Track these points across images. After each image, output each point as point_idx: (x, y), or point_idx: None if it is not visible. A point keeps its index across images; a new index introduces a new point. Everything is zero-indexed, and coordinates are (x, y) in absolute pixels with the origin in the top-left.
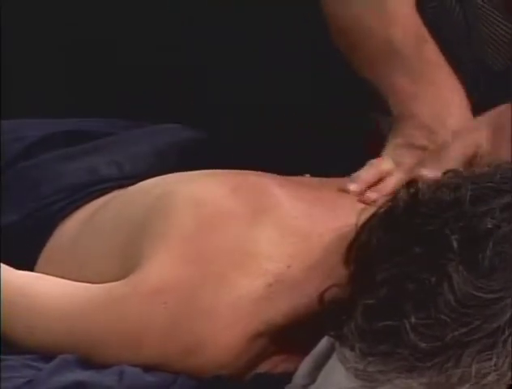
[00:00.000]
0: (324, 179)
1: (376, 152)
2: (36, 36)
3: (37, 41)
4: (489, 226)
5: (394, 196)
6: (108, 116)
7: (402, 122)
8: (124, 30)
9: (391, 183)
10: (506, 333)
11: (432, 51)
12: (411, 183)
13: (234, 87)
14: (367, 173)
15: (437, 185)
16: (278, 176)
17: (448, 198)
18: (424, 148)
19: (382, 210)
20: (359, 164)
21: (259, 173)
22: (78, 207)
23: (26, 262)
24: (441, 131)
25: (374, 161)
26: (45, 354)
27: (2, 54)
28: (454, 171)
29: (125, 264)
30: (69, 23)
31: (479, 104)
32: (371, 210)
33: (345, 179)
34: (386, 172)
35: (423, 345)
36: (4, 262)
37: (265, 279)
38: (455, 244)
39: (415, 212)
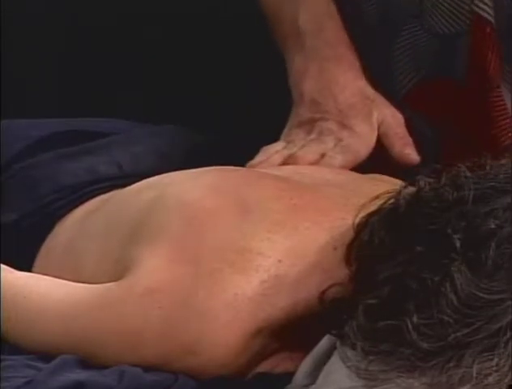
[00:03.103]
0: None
1: (375, 153)
2: (36, 36)
3: (37, 41)
4: (492, 226)
5: (396, 195)
6: (108, 116)
7: (294, 102)
8: (124, 30)
9: (273, 158)
10: (508, 334)
11: (331, 31)
12: (413, 182)
13: (234, 87)
14: (258, 157)
15: (439, 184)
16: (265, 171)
17: (451, 198)
18: (311, 121)
19: (384, 209)
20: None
21: (247, 168)
22: (76, 207)
23: (24, 261)
24: (328, 101)
25: (265, 147)
26: (45, 354)
27: (2, 54)
28: (456, 170)
29: (119, 266)
30: (69, 23)
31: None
32: (369, 208)
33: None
34: (276, 152)
35: (424, 345)
36: (3, 262)
37: (258, 275)
38: (458, 244)
39: (417, 212)
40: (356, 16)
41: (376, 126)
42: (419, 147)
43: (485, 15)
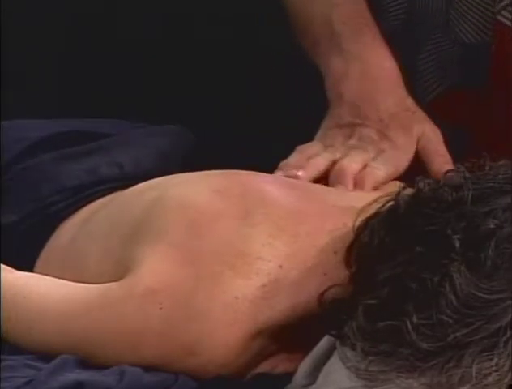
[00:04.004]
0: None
1: None
2: (36, 36)
3: (37, 41)
4: (491, 226)
5: (395, 196)
6: (108, 116)
7: (332, 104)
8: (124, 30)
9: (317, 162)
10: (508, 334)
11: (368, 33)
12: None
13: (234, 87)
14: (293, 158)
15: (438, 184)
16: (268, 175)
17: (450, 198)
18: (351, 125)
19: (384, 210)
20: None
21: (249, 172)
22: (78, 208)
23: (25, 262)
24: (369, 107)
25: (301, 146)
26: (45, 354)
27: (2, 54)
28: (455, 170)
29: (120, 266)
30: (69, 24)
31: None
32: (369, 211)
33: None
34: (314, 155)
35: (424, 345)
36: (3, 263)
37: (258, 279)
38: (457, 244)
39: (416, 212)
40: (381, 24)
41: (416, 140)
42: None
43: (509, 24)
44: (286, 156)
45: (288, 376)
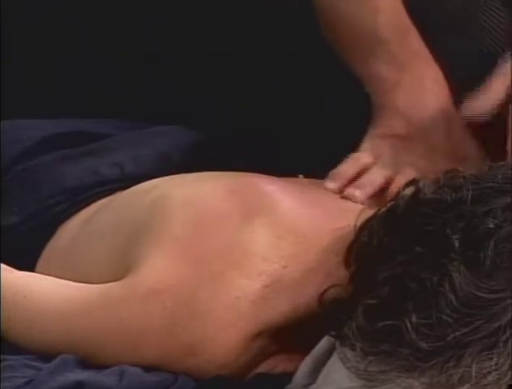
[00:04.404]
0: (321, 181)
1: None
2: (36, 36)
3: (37, 41)
4: (491, 226)
5: (395, 196)
6: (108, 116)
7: (380, 112)
8: (124, 30)
9: (373, 180)
10: (507, 333)
11: (415, 40)
12: (411, 183)
13: (234, 87)
14: (346, 168)
15: (438, 185)
16: (274, 177)
17: (449, 198)
18: (401, 138)
19: (383, 210)
20: None
21: (255, 174)
22: (80, 209)
23: (26, 263)
24: (417, 120)
25: (353, 156)
26: (45, 354)
27: (2, 54)
28: (454, 171)
29: (123, 266)
30: (69, 23)
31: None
32: (370, 211)
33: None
34: (365, 165)
35: (424, 345)
36: (4, 263)
37: (261, 279)
38: (457, 244)
39: (416, 212)
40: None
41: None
42: None
43: None
44: (287, 155)
45: (288, 376)
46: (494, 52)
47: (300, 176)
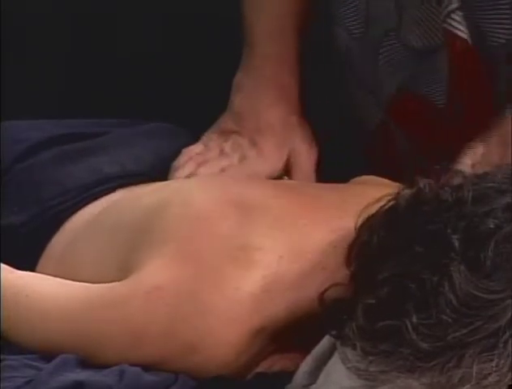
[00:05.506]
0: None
1: (374, 155)
2: (36, 36)
3: (37, 41)
4: (491, 226)
5: (396, 195)
6: (108, 116)
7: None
8: (124, 30)
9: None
10: (507, 334)
11: (278, 46)
12: (412, 183)
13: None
14: (179, 160)
15: (438, 184)
16: (264, 178)
17: (450, 198)
18: (229, 132)
19: (384, 209)
20: (359, 166)
21: (253, 174)
22: (81, 208)
23: (26, 264)
24: (250, 117)
25: (185, 149)
26: (45, 354)
27: (2, 54)
28: (455, 171)
29: (124, 267)
30: (69, 23)
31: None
32: (370, 210)
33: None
34: (197, 154)
35: (424, 345)
36: (5, 263)
37: (259, 270)
38: (457, 244)
39: (416, 212)
40: (339, 32)
41: (286, 152)
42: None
43: (456, 32)
44: None
45: (289, 375)
46: (429, 49)
47: (285, 178)
